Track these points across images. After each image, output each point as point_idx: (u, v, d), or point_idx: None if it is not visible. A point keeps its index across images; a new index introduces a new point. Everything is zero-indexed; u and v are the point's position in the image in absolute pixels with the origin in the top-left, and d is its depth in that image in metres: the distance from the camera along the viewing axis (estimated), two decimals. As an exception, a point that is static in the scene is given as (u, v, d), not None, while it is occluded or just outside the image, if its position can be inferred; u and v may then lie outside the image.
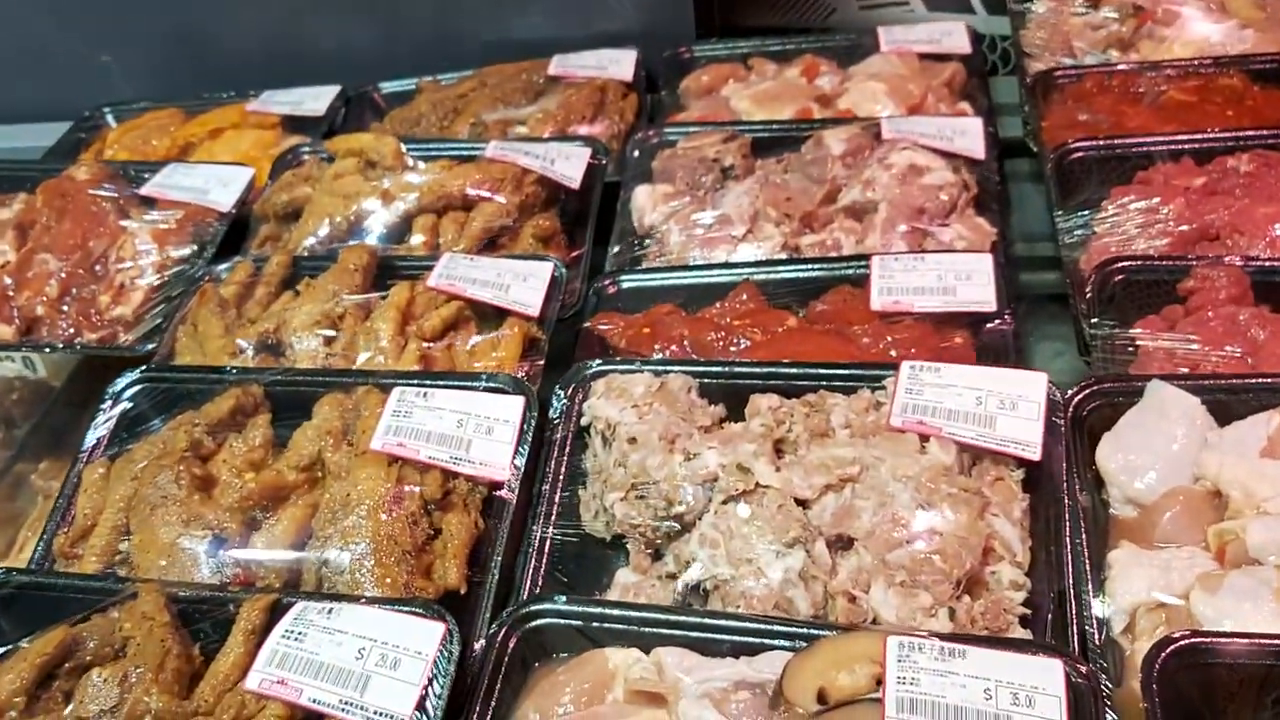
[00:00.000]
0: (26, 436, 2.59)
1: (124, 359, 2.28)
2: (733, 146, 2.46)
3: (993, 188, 2.30)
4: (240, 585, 1.65)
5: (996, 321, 1.95)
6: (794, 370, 1.83)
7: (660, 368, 1.87)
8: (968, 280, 2.00)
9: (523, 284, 2.13)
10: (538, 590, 1.66)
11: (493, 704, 1.47)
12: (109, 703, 1.42)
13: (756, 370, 1.85)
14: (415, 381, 1.88)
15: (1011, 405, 1.68)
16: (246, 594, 1.57)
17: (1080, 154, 2.23)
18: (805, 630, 1.46)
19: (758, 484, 1.62)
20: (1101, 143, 2.24)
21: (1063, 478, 1.62)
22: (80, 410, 2.67)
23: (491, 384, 1.87)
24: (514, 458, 1.76)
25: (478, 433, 1.79)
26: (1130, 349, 1.84)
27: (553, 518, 1.74)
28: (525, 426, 1.80)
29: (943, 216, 2.25)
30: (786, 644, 1.45)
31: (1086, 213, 2.12)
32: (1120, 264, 1.93)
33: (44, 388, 2.81)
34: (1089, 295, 1.92)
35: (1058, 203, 2.17)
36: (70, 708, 1.44)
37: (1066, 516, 1.58)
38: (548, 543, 1.71)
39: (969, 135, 2.37)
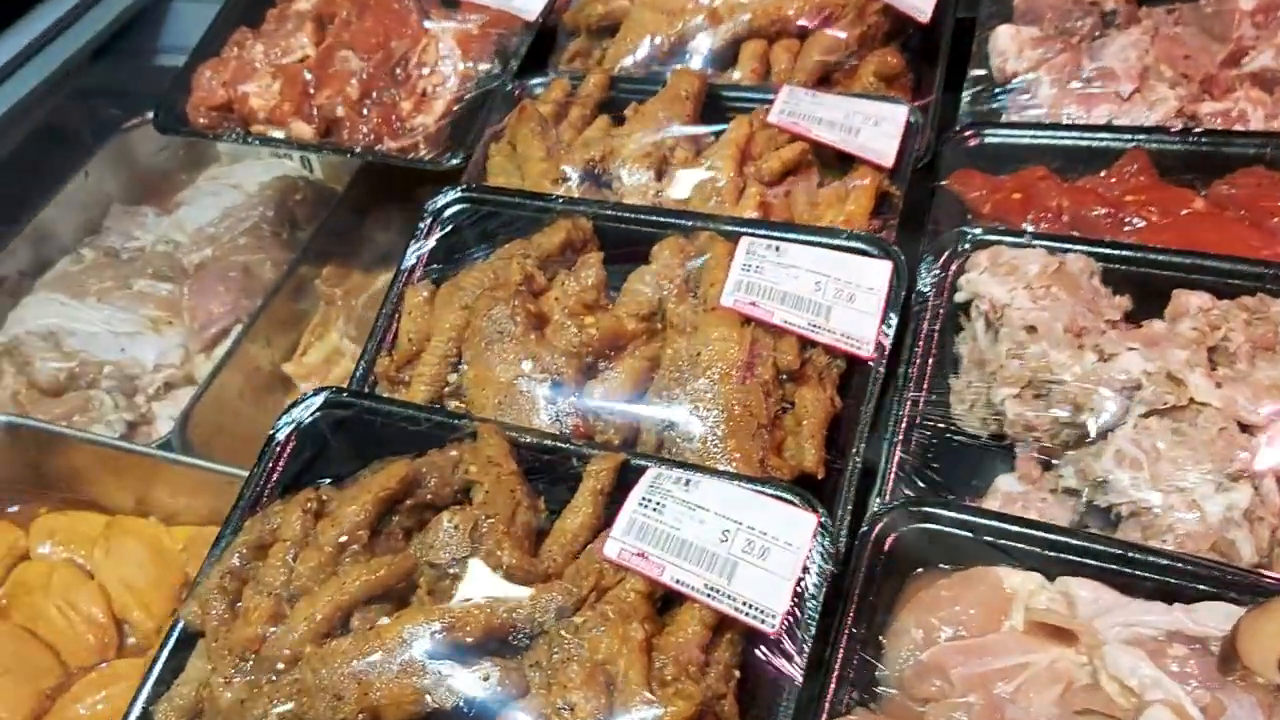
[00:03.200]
0: (309, 239, 2.55)
1: (422, 172, 2.17)
2: (1117, -13, 2.10)
3: None
4: (580, 438, 1.51)
5: None
6: (1227, 265, 1.53)
7: (1054, 244, 1.60)
8: None
9: (874, 128, 1.87)
10: (902, 486, 1.47)
11: (868, 609, 1.31)
12: (460, 552, 1.32)
13: (1177, 260, 1.56)
14: (765, 232, 1.68)
15: None
16: (592, 449, 1.44)
17: None
18: (1251, 580, 1.23)
19: (1192, 400, 1.37)
20: None
21: None
22: (361, 216, 2.60)
23: (854, 243, 1.64)
24: (880, 331, 1.55)
25: (839, 299, 1.58)
26: None
27: (920, 404, 1.53)
28: (893, 296, 1.58)
29: (1384, 90, 1.87)
30: (1229, 595, 1.23)
31: None
32: None
33: (325, 191, 2.75)
34: None
35: None
36: (418, 550, 1.35)
37: None
38: (914, 432, 1.51)
39: None
